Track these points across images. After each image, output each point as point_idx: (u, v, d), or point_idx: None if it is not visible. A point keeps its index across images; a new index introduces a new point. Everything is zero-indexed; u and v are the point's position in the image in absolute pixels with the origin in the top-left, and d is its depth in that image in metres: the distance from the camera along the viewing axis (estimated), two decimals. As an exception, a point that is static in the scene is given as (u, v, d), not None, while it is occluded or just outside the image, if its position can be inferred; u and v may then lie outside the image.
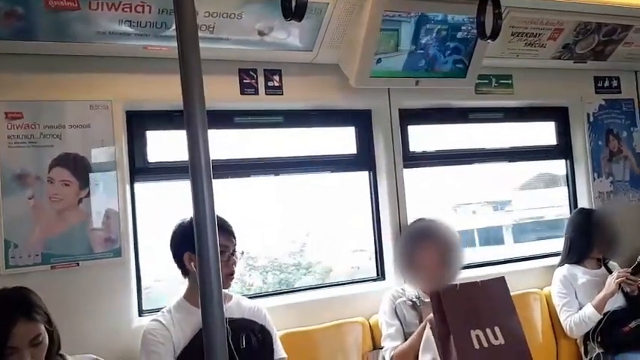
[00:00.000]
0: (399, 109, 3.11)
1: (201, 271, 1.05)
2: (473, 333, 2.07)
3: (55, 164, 2.38)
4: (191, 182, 1.05)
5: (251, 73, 2.75)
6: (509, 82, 3.42)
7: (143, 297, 2.60)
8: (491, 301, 2.15)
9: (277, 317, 2.52)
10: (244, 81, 2.74)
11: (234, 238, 2.28)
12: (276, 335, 2.44)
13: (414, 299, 2.63)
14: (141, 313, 2.56)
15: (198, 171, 1.06)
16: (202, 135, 1.07)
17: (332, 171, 3.15)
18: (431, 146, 3.37)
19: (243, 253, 2.33)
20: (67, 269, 2.37)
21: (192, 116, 1.09)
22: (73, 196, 2.41)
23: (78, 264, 2.39)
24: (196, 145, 1.06)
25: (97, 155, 2.45)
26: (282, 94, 2.82)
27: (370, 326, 2.82)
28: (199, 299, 1.08)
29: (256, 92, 2.76)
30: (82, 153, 2.43)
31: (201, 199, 1.06)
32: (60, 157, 2.39)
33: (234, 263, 2.27)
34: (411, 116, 3.21)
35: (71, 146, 2.41)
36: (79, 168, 2.42)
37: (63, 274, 2.36)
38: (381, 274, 3.09)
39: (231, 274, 2.27)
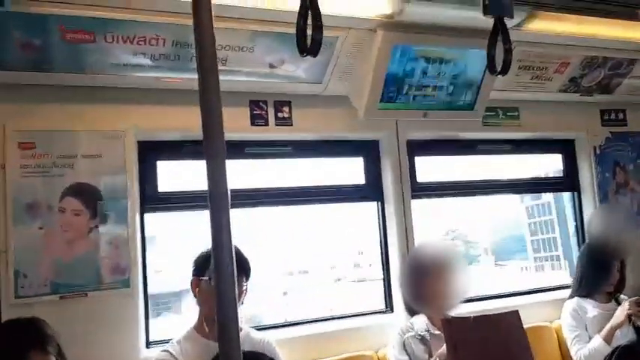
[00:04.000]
0: (407, 140, 3.13)
1: (219, 302, 1.04)
2: (485, 367, 2.06)
3: (67, 194, 2.39)
4: (210, 213, 1.06)
5: (261, 104, 2.78)
6: (516, 114, 3.44)
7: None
8: (504, 334, 2.14)
9: (285, 350, 2.50)
10: (255, 112, 2.77)
11: (246, 277, 2.28)
12: (285, 368, 2.41)
13: (423, 333, 2.60)
14: (148, 344, 2.54)
15: (217, 201, 1.07)
16: (221, 166, 1.08)
17: (340, 201, 3.15)
18: (439, 177, 3.38)
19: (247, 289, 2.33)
20: (76, 299, 2.36)
21: (212, 147, 1.10)
22: (83, 226, 2.41)
23: (86, 294, 2.38)
24: (216, 176, 1.07)
25: (108, 185, 2.47)
26: (291, 125, 2.84)
27: (379, 360, 2.79)
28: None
29: (266, 123, 2.79)
30: (93, 183, 2.44)
31: (220, 229, 1.06)
32: (71, 187, 2.40)
33: (241, 301, 2.26)
34: (419, 147, 3.23)
35: (83, 176, 2.43)
36: (90, 198, 2.43)
37: (71, 305, 2.35)
38: (389, 307, 3.07)
39: None
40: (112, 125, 2.49)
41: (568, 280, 3.39)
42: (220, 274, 1.06)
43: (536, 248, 5.09)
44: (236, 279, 2.20)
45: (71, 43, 2.22)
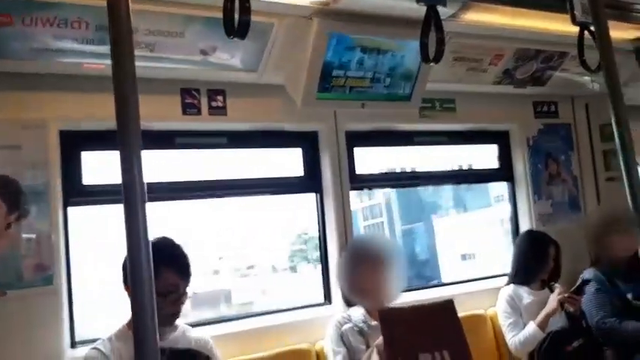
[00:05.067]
0: (346, 132, 3.10)
1: (133, 304, 0.98)
2: (421, 356, 2.06)
3: (-18, 187, 2.24)
4: (124, 208, 0.99)
5: (193, 92, 2.68)
6: (453, 106, 3.47)
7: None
8: (439, 324, 2.15)
9: (222, 346, 2.45)
10: (186, 101, 2.66)
11: (188, 277, 2.22)
12: (221, 366, 2.36)
13: (361, 324, 2.60)
14: (74, 344, 2.43)
15: (132, 194, 1.00)
16: (136, 156, 1.02)
17: (278, 193, 3.10)
18: (377, 168, 3.39)
19: (195, 293, 2.27)
20: (-6, 299, 2.22)
21: (126, 136, 1.03)
22: (1, 221, 2.25)
23: (5, 293, 2.24)
24: (130, 167, 1.01)
25: (29, 177, 2.33)
26: (226, 115, 2.76)
27: (317, 353, 2.76)
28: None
29: (199, 112, 2.70)
30: (12, 175, 2.30)
31: (135, 224, 1.00)
32: (-13, 180, 2.25)
33: (182, 303, 2.22)
34: (358, 138, 3.22)
35: (0, 168, 2.27)
36: (9, 191, 2.28)
37: (-12, 304, 2.20)
38: (327, 299, 3.04)
39: (176, 313, 2.21)
40: (32, 114, 2.35)
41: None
42: (136, 276, 0.99)
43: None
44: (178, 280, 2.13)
45: (-15, 25, 2.06)
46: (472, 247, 4.24)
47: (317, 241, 3.11)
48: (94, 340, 2.25)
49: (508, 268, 3.36)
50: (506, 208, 3.78)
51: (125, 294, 2.16)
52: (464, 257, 3.67)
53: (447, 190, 4.25)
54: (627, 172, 1.52)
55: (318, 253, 3.12)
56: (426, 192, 4.34)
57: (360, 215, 4.93)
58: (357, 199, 4.55)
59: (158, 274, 1.91)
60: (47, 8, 2.12)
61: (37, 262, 2.31)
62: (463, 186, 4.21)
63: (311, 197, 3.12)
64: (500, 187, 4.01)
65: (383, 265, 2.55)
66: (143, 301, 0.98)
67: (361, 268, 2.55)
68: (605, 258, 3.27)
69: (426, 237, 4.73)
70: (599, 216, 3.54)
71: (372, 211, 5.15)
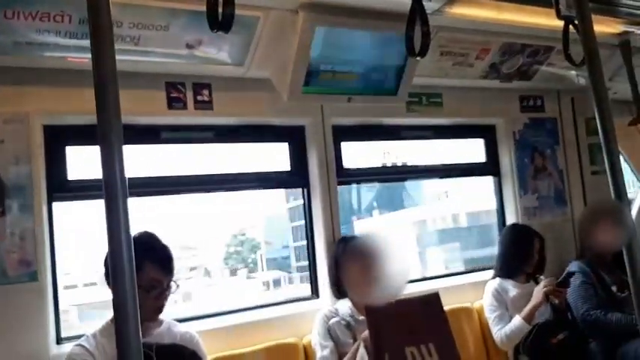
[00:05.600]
0: (333, 126, 3.10)
1: (115, 299, 0.97)
2: (407, 350, 2.07)
3: (-36, 183, 2.21)
4: (105, 203, 0.99)
5: (179, 87, 2.66)
6: (440, 100, 3.48)
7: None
8: (425, 317, 2.16)
9: (209, 342, 2.45)
10: (171, 95, 2.64)
11: (171, 271, 2.22)
12: (207, 361, 2.36)
13: (348, 318, 2.59)
14: (59, 340, 2.41)
15: (114, 189, 1.00)
16: (118, 151, 1.01)
17: (265, 188, 3.10)
18: (364, 162, 3.39)
19: (178, 286, 2.27)
20: (-23, 295, 2.19)
21: (106, 130, 1.03)
22: (-17, 217, 2.24)
23: (-11, 289, 2.22)
24: (111, 162, 1.00)
25: (12, 172, 2.30)
26: (212, 109, 2.74)
27: (304, 347, 2.76)
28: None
29: (185, 107, 2.67)
30: (-6, 170, 2.27)
31: (116, 220, 0.99)
32: (-31, 175, 2.22)
33: (166, 298, 2.22)
34: (345, 133, 3.21)
35: (-18, 163, 2.25)
36: (-9, 186, 2.25)
37: (-29, 301, 2.18)
38: (315, 293, 3.04)
39: (160, 308, 2.21)
40: (15, 108, 2.32)
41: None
42: (117, 271, 0.99)
43: (297, 256, 4.85)
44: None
45: (-35, 19, 2.03)
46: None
47: (253, 243, 3.09)
48: (79, 337, 2.23)
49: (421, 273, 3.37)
50: (442, 206, 3.76)
51: (108, 290, 2.16)
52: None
53: (376, 190, 4.17)
54: (610, 165, 1.53)
55: (254, 255, 3.10)
56: (352, 192, 4.24)
57: (287, 217, 4.72)
58: (284, 200, 4.34)
59: (140, 269, 1.91)
60: (29, 2, 2.08)
61: (21, 257, 2.29)
62: (395, 185, 4.13)
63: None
64: (440, 186, 3.96)
65: (385, 261, 2.53)
66: (125, 296, 0.98)
67: (363, 264, 2.53)
68: (592, 250, 3.30)
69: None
70: (587, 208, 3.56)
71: (300, 213, 4.95)
